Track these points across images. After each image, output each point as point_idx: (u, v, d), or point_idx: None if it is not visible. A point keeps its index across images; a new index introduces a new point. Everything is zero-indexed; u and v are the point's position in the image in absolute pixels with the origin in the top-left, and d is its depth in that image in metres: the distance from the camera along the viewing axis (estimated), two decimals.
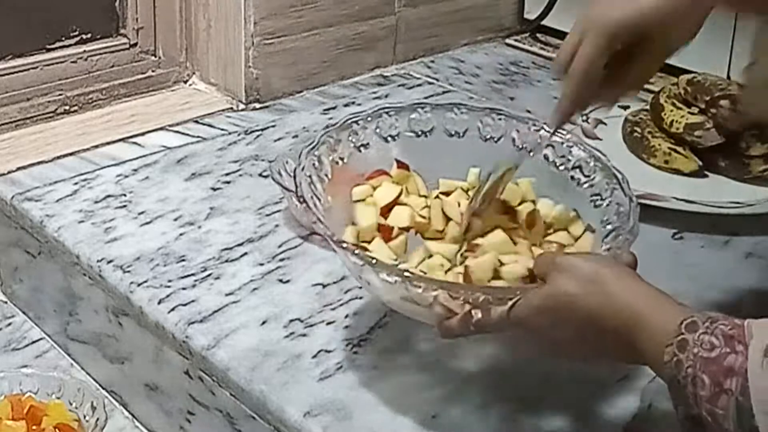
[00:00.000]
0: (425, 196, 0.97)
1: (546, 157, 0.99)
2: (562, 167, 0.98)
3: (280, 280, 1.10)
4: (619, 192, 0.93)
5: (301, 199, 0.90)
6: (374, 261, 0.84)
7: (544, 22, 1.74)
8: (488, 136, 1.01)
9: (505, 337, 0.88)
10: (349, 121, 0.99)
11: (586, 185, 0.96)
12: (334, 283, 1.09)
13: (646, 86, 1.50)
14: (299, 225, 1.18)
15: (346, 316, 1.03)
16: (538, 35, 1.77)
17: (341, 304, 1.05)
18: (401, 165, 0.98)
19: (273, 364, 0.97)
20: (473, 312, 0.83)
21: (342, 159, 0.97)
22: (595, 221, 0.94)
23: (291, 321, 1.03)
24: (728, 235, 1.18)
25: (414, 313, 0.89)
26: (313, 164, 0.94)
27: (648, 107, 1.36)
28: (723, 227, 1.19)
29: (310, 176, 0.92)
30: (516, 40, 1.78)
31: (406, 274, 0.84)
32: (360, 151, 0.99)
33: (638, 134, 1.32)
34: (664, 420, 0.87)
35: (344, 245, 0.86)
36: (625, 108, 1.40)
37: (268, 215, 1.21)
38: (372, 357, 0.98)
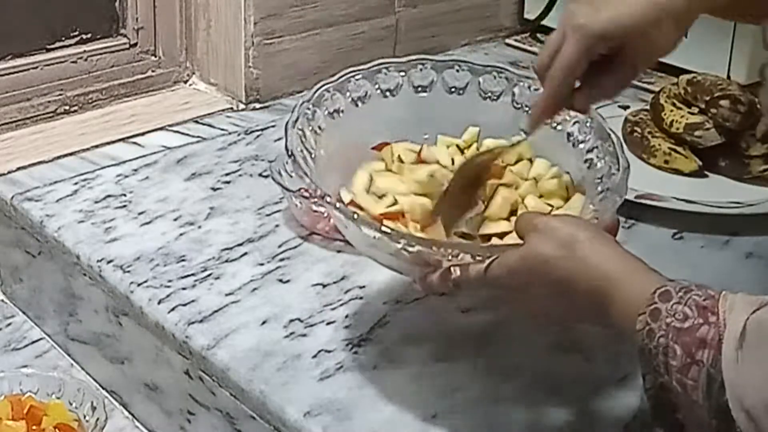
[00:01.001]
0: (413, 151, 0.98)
1: None
2: (558, 126, 0.98)
3: (280, 280, 1.10)
4: (612, 154, 0.94)
5: (290, 153, 0.89)
6: (356, 216, 0.85)
7: (544, 22, 1.74)
8: (488, 94, 1.01)
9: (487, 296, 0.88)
10: (348, 76, 0.98)
11: (581, 145, 0.97)
12: (334, 283, 1.09)
13: (646, 86, 1.52)
14: (299, 225, 1.18)
15: (346, 316, 1.03)
16: (538, 35, 1.77)
17: (341, 304, 1.05)
18: (378, 147, 0.98)
19: (273, 364, 0.97)
20: (452, 269, 0.83)
21: (339, 112, 0.97)
22: (587, 181, 0.94)
23: (291, 321, 1.03)
24: (728, 235, 1.18)
25: (399, 268, 0.90)
26: (307, 117, 0.94)
27: (648, 107, 1.36)
28: (723, 227, 1.19)
29: (302, 129, 0.92)
30: (516, 40, 1.78)
31: (385, 229, 0.84)
32: (357, 105, 0.99)
33: (638, 134, 1.32)
34: None
35: (328, 200, 0.86)
36: (625, 108, 1.40)
37: (268, 215, 1.21)
38: (372, 357, 0.98)
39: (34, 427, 1.02)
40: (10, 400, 1.04)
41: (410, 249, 0.83)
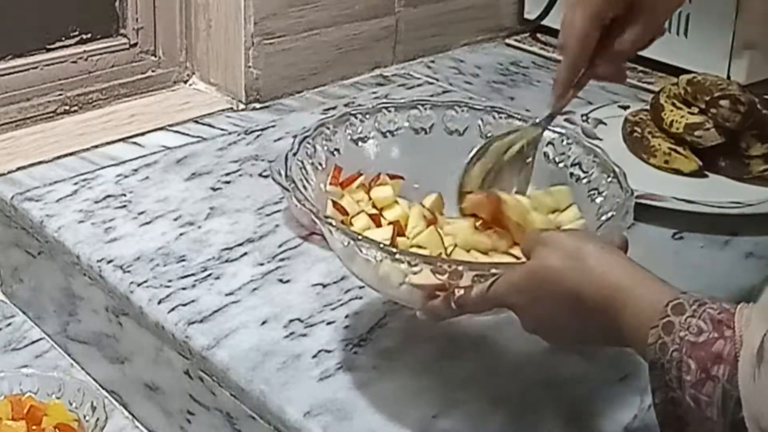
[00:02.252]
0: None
1: (546, 155, 0.99)
2: (561, 164, 0.99)
3: (280, 280, 1.10)
4: (616, 185, 0.93)
5: (290, 181, 0.89)
6: (359, 237, 0.84)
7: (544, 22, 1.75)
8: (489, 135, 1.01)
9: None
10: (348, 114, 0.99)
11: (584, 181, 0.97)
12: (334, 283, 1.09)
13: (646, 86, 1.52)
14: (299, 225, 1.18)
15: (346, 316, 1.03)
16: (538, 35, 1.78)
17: (341, 304, 1.05)
18: (393, 177, 0.98)
19: (273, 364, 0.97)
20: (456, 291, 0.81)
21: (338, 150, 0.97)
22: (591, 215, 0.94)
23: (291, 321, 1.03)
24: (728, 235, 1.18)
25: (400, 298, 0.89)
26: (306, 151, 0.94)
27: (648, 107, 1.36)
28: (723, 227, 1.19)
29: (301, 161, 0.92)
30: (516, 40, 1.78)
31: (390, 249, 0.83)
32: (357, 144, 0.99)
33: (638, 134, 1.32)
34: None
35: (330, 221, 0.86)
36: (625, 108, 1.40)
37: (268, 215, 1.21)
38: (372, 357, 0.98)
39: (34, 427, 1.02)
40: (10, 400, 1.04)
41: (415, 268, 0.82)
